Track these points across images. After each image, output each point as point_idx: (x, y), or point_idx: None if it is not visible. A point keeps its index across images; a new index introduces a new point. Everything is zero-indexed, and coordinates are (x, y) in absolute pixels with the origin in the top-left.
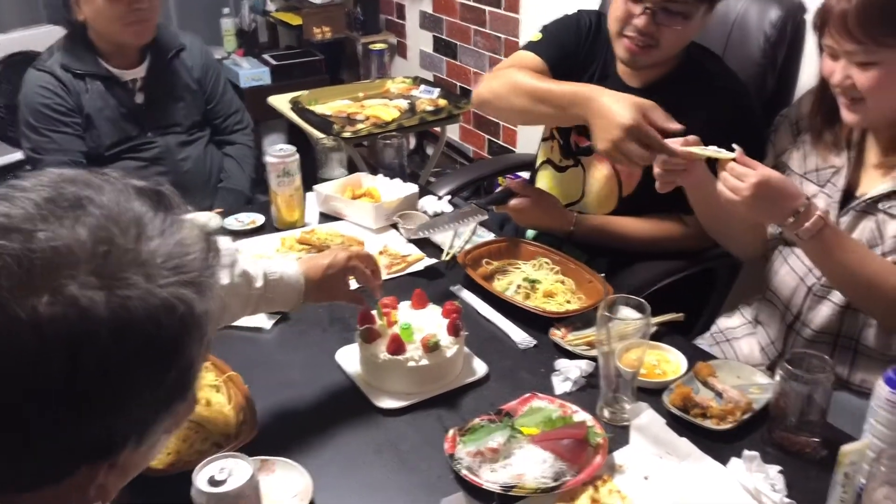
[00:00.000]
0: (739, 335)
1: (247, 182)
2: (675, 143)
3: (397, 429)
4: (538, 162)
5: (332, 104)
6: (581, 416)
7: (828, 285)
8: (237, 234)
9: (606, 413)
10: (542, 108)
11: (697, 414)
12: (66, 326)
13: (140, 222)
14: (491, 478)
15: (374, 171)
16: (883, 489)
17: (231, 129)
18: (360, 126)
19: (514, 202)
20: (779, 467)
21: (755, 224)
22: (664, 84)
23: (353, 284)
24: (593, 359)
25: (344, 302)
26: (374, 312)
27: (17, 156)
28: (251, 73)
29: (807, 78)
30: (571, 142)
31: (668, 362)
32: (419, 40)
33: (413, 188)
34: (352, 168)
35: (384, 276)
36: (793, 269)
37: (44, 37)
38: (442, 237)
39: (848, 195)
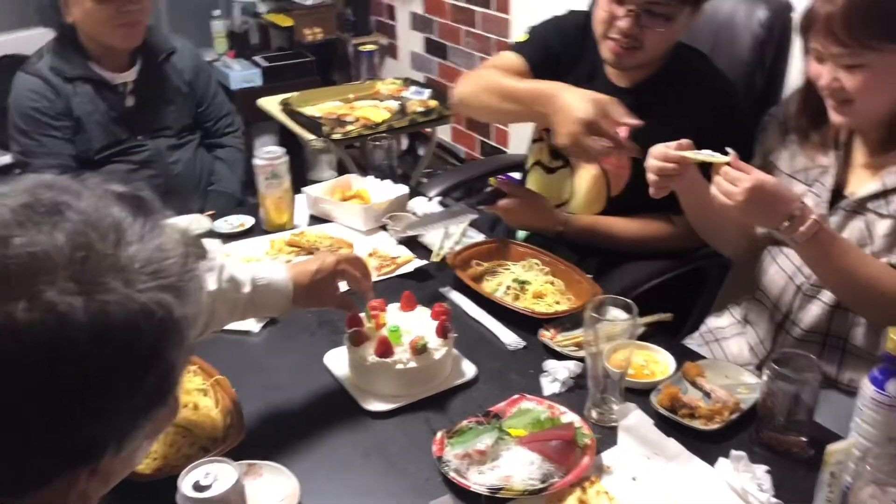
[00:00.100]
0: (728, 335)
1: (237, 184)
2: (668, 148)
3: (385, 431)
4: (528, 164)
5: (322, 106)
6: (569, 417)
7: (817, 284)
8: (226, 237)
9: (594, 414)
10: (509, 105)
11: (685, 414)
12: (44, 332)
13: (119, 228)
14: (478, 480)
15: (364, 173)
16: (869, 488)
17: (222, 132)
18: (349, 128)
19: (502, 202)
20: (766, 467)
21: (745, 225)
22: (652, 84)
23: (344, 286)
24: (582, 360)
25: (333, 307)
26: (362, 315)
27: (6, 159)
28: (242, 74)
29: (795, 77)
30: None
31: (656, 363)
32: (410, 41)
33: (403, 190)
34: (342, 170)
35: (374, 278)
36: (782, 269)
37: (34, 39)
38: (432, 238)
39: (836, 194)
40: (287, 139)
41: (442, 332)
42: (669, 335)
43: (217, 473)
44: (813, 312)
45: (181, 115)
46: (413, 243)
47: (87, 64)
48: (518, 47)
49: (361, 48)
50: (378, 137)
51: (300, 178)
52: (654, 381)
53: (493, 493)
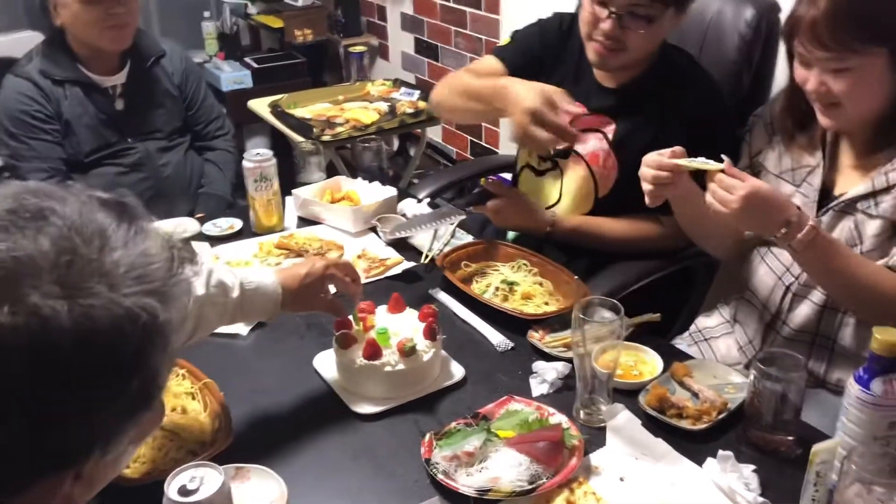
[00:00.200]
0: (717, 334)
1: (228, 187)
2: (662, 155)
3: (374, 434)
4: (518, 167)
5: (311, 107)
6: (557, 418)
7: (808, 284)
8: (215, 240)
9: (582, 415)
10: (474, 104)
11: (673, 414)
12: (27, 336)
13: (103, 233)
14: (467, 482)
15: (354, 175)
16: (854, 487)
17: (212, 135)
18: (339, 129)
19: (491, 203)
20: (753, 466)
21: (737, 229)
22: (638, 85)
23: (333, 290)
24: (570, 360)
25: (322, 311)
26: (350, 317)
27: None
28: (233, 76)
29: (782, 76)
30: None
31: (644, 363)
32: (400, 42)
33: (392, 191)
34: (331, 172)
35: (362, 280)
36: (771, 269)
37: (24, 42)
38: (421, 240)
39: (824, 194)
40: (278, 141)
41: (429, 334)
42: (658, 335)
43: (203, 477)
44: (802, 312)
45: (171, 118)
46: (402, 245)
47: (77, 67)
48: (499, 51)
49: (352, 49)
50: (367, 139)
51: (290, 180)
52: (643, 382)
53: (481, 495)
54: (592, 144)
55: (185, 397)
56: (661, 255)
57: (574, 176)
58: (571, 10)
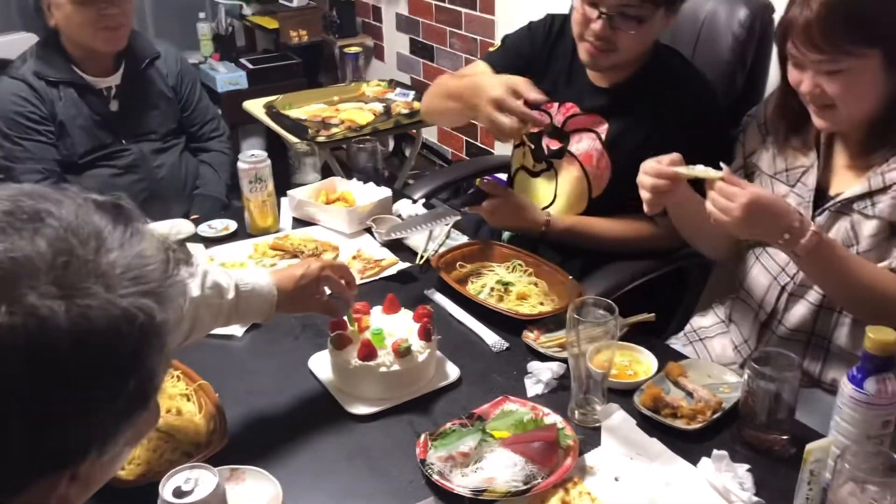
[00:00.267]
0: (712, 334)
1: (223, 188)
2: (660, 163)
3: (369, 435)
4: (513, 169)
5: (307, 108)
6: (552, 418)
7: (805, 284)
8: (210, 241)
9: (577, 415)
10: (452, 104)
11: (668, 414)
12: (25, 336)
13: (100, 235)
14: (462, 482)
15: (349, 176)
16: (848, 486)
17: (207, 136)
18: (334, 130)
19: (485, 203)
20: (747, 466)
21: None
22: (631, 85)
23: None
24: (565, 361)
25: (318, 313)
26: (345, 318)
27: None
28: (228, 77)
29: (776, 76)
30: (543, 145)
31: (639, 363)
32: (396, 43)
33: (387, 192)
34: (327, 173)
35: (357, 281)
36: (766, 269)
37: (18, 44)
38: (416, 241)
39: (819, 194)
40: (273, 142)
41: (424, 335)
42: (652, 335)
43: (198, 479)
44: (798, 312)
45: (166, 120)
46: (397, 245)
47: (71, 68)
48: (488, 56)
49: (347, 50)
50: (363, 140)
51: (285, 181)
52: (637, 382)
53: (476, 495)
54: (586, 144)
55: (179, 399)
56: (655, 254)
57: (568, 176)
58: (565, 10)
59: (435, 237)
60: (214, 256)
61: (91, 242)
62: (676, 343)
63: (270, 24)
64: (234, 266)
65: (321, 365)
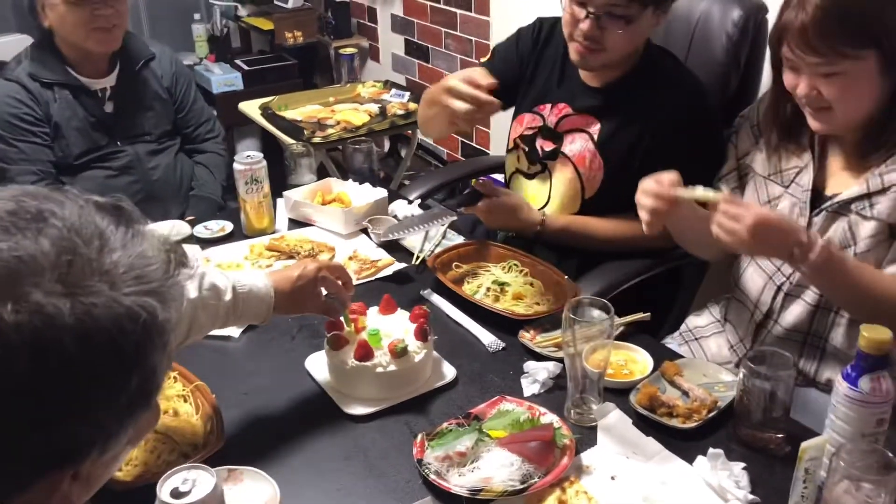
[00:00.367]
0: (708, 333)
1: (219, 189)
2: (659, 184)
3: (366, 435)
4: (508, 174)
5: (302, 109)
6: (549, 417)
7: (801, 284)
8: (206, 242)
9: (574, 414)
10: (434, 109)
11: (664, 413)
12: (31, 333)
13: (102, 234)
14: (459, 482)
15: (345, 176)
16: (843, 484)
17: (202, 137)
18: (330, 131)
19: (481, 204)
20: (743, 464)
21: None
22: (623, 84)
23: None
24: (561, 360)
25: (315, 314)
26: (341, 319)
27: None
28: (223, 78)
29: (769, 76)
30: (537, 147)
31: (634, 362)
32: (391, 43)
33: (383, 193)
34: (322, 173)
35: (354, 282)
36: (761, 268)
37: (13, 45)
38: (412, 241)
39: (815, 195)
40: (269, 143)
41: (421, 335)
42: (648, 335)
43: (195, 479)
44: (795, 312)
45: (161, 121)
46: (393, 246)
47: (66, 69)
48: (483, 65)
49: (342, 51)
50: (358, 140)
51: (280, 182)
52: (633, 381)
53: (473, 495)
54: (579, 145)
55: (176, 400)
56: (650, 254)
57: (562, 177)
58: (558, 12)
59: (431, 238)
60: (210, 258)
61: (94, 242)
62: (672, 342)
63: (265, 25)
64: (230, 267)
65: (318, 365)
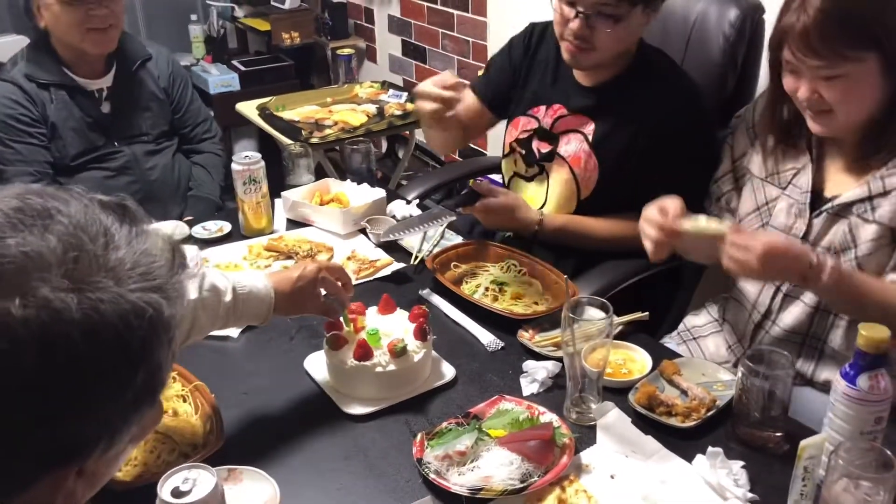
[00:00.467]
0: (706, 333)
1: (216, 190)
2: (664, 212)
3: (365, 434)
4: (506, 178)
5: (300, 110)
6: (548, 416)
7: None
8: (204, 243)
9: (573, 413)
10: (424, 125)
11: (663, 412)
12: (39, 328)
13: (108, 232)
14: (459, 481)
15: (342, 177)
16: (842, 482)
17: (199, 138)
18: (328, 132)
19: (479, 204)
20: (742, 462)
21: None
22: (617, 84)
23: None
24: (560, 360)
25: (315, 315)
26: (340, 318)
27: None
28: (220, 79)
29: (766, 77)
30: (534, 149)
31: (633, 361)
32: (388, 44)
33: (381, 193)
34: (320, 174)
35: (353, 282)
36: None
37: (9, 46)
38: (410, 241)
39: (814, 196)
40: (266, 143)
41: (420, 335)
42: (647, 334)
43: (196, 479)
44: (794, 313)
45: (158, 122)
46: (392, 246)
47: (62, 70)
48: (475, 84)
49: (339, 52)
50: (356, 141)
51: (278, 182)
52: (632, 380)
53: (473, 494)
54: (574, 146)
55: (176, 400)
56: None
57: (558, 178)
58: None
59: (429, 238)
60: (209, 258)
61: (100, 239)
62: (670, 342)
63: (262, 25)
64: (228, 268)
65: (317, 365)
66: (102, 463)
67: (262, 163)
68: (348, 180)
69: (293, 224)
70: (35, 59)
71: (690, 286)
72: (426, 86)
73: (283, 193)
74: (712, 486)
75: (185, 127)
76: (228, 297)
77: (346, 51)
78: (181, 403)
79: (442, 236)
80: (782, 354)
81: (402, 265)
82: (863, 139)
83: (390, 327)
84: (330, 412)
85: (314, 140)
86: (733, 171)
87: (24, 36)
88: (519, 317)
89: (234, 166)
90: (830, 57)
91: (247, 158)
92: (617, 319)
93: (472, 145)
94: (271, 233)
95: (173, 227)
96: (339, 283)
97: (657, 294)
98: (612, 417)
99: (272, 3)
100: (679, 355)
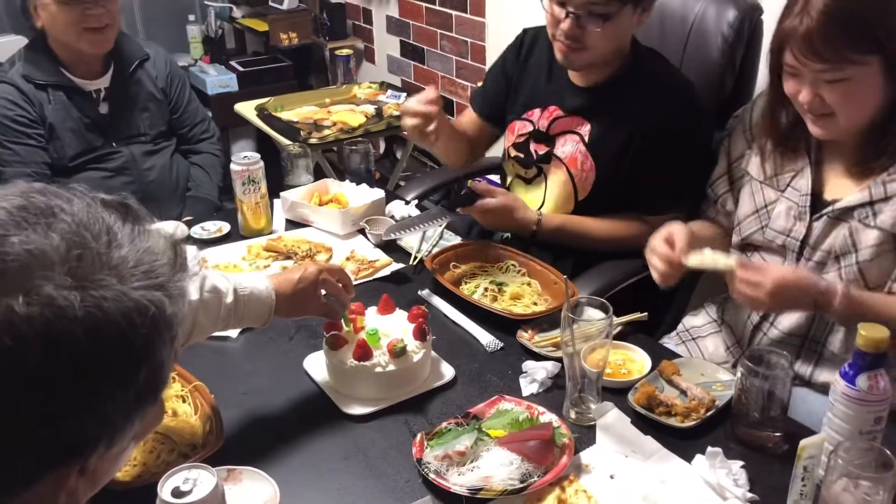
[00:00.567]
0: (705, 333)
1: (215, 190)
2: (671, 243)
3: (365, 435)
4: (508, 181)
5: (298, 110)
6: (547, 416)
7: None
8: (203, 243)
9: (572, 413)
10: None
11: (662, 412)
12: (43, 325)
13: (110, 230)
14: (458, 481)
15: (341, 177)
16: (841, 481)
17: (197, 138)
18: (326, 132)
19: (477, 204)
20: (741, 462)
21: (722, 240)
22: (611, 84)
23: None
24: (560, 360)
25: (316, 316)
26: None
27: None
28: (218, 79)
29: (765, 77)
30: (532, 150)
31: (632, 361)
32: (386, 45)
33: (380, 193)
34: (319, 174)
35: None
36: None
37: (7, 47)
38: (410, 241)
39: (813, 199)
40: (264, 144)
41: (419, 335)
42: (646, 334)
43: (196, 479)
44: (793, 316)
45: (155, 122)
46: (391, 247)
47: (60, 70)
48: (472, 97)
49: (338, 52)
50: (355, 142)
51: (277, 182)
52: (631, 380)
53: (473, 494)
54: (570, 147)
55: (175, 400)
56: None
57: (556, 180)
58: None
59: (428, 238)
60: (208, 258)
61: (103, 237)
62: (669, 342)
63: (260, 26)
64: (227, 268)
65: (316, 365)
66: (104, 461)
67: (261, 163)
68: (347, 181)
69: (292, 224)
70: (32, 60)
71: (689, 287)
72: (409, 102)
73: (281, 194)
74: (712, 486)
75: (182, 127)
76: (230, 299)
77: (345, 51)
78: (180, 404)
79: (441, 237)
80: (781, 354)
81: (401, 265)
82: (863, 142)
83: (390, 327)
84: (329, 412)
85: (313, 140)
86: (729, 174)
87: (23, 36)
88: (518, 317)
89: (233, 167)
90: (833, 60)
91: (246, 159)
92: (616, 320)
93: None
94: (270, 233)
95: (173, 228)
96: (340, 285)
97: (656, 294)
98: (611, 417)
99: (270, 3)
100: (678, 355)
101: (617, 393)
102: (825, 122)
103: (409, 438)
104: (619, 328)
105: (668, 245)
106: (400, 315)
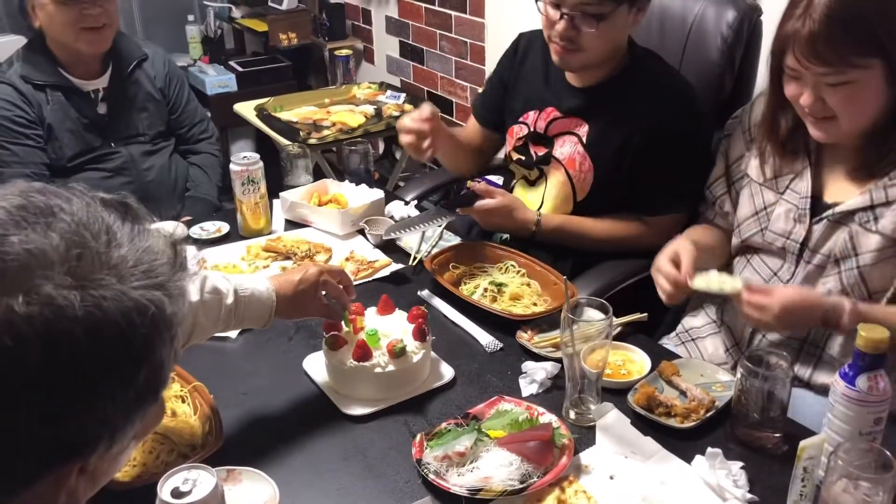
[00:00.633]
0: (704, 334)
1: (214, 190)
2: (678, 258)
3: (364, 435)
4: (514, 181)
5: (298, 111)
6: (547, 417)
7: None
8: (203, 243)
9: (572, 414)
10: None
11: (662, 413)
12: (43, 325)
13: (110, 229)
14: (458, 481)
15: (340, 178)
16: (841, 482)
17: (196, 138)
18: (326, 132)
19: (477, 205)
20: (741, 463)
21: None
22: (608, 86)
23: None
24: (559, 360)
25: (317, 317)
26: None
27: None
28: (217, 80)
29: (764, 78)
30: (531, 152)
31: (632, 362)
32: (386, 45)
33: (379, 194)
34: (318, 175)
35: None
36: (757, 272)
37: (5, 47)
38: (409, 241)
39: (813, 201)
40: (263, 144)
41: (419, 335)
42: (645, 335)
43: (196, 479)
44: None
45: (154, 122)
46: (390, 247)
47: (58, 71)
48: (473, 106)
49: (337, 53)
50: (354, 142)
51: (276, 183)
52: (631, 381)
53: (472, 495)
54: (568, 148)
55: (175, 400)
56: (645, 253)
57: (554, 181)
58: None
59: (428, 238)
60: (207, 258)
61: (102, 236)
62: (668, 343)
63: (260, 26)
64: (227, 268)
65: (316, 366)
66: (105, 461)
67: (261, 163)
68: (346, 181)
69: (291, 225)
70: (31, 60)
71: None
72: (404, 120)
73: (281, 194)
74: (711, 487)
75: (181, 127)
76: (230, 300)
77: (344, 52)
78: (180, 404)
79: (440, 237)
80: (781, 355)
81: (400, 266)
82: (864, 146)
83: (389, 328)
84: (329, 413)
85: (312, 141)
86: (727, 175)
87: (21, 36)
88: (517, 318)
89: (232, 167)
90: (836, 63)
91: (245, 159)
92: (616, 320)
93: None
94: (269, 233)
95: (173, 228)
96: (341, 287)
97: (655, 295)
98: (611, 418)
99: (269, 3)
100: (678, 356)
101: (616, 393)
102: (827, 126)
103: (409, 439)
104: (619, 329)
105: (674, 265)
106: (399, 315)
